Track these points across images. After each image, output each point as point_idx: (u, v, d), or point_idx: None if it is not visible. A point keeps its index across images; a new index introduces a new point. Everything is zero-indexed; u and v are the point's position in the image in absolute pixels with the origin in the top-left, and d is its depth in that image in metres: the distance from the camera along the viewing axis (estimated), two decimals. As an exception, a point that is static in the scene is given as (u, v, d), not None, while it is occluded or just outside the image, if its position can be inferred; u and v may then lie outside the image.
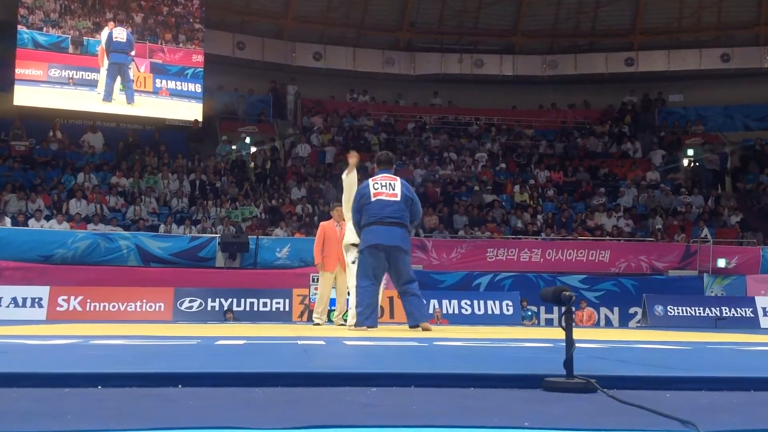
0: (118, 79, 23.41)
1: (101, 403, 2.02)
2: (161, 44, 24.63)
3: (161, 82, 24.32)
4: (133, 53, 23.74)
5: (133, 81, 23.59)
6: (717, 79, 27.08)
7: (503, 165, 24.62)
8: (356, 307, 7.93)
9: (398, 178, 8.20)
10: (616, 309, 17.49)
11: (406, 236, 8.09)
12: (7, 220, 17.15)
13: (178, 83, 24.59)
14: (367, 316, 7.81)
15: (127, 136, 23.08)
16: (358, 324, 7.80)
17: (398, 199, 7.97)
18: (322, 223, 10.91)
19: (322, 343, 4.83)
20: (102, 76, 23.33)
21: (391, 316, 15.54)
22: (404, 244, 8.01)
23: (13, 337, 5.13)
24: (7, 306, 14.84)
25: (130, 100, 23.44)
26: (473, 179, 23.53)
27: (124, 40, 23.59)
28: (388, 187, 8.05)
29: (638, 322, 16.94)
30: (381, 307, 15.45)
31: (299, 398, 2.14)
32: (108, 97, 23.20)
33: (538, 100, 28.26)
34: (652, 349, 4.76)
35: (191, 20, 25.20)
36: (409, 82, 28.30)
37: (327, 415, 1.85)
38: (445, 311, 16.11)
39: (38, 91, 22.68)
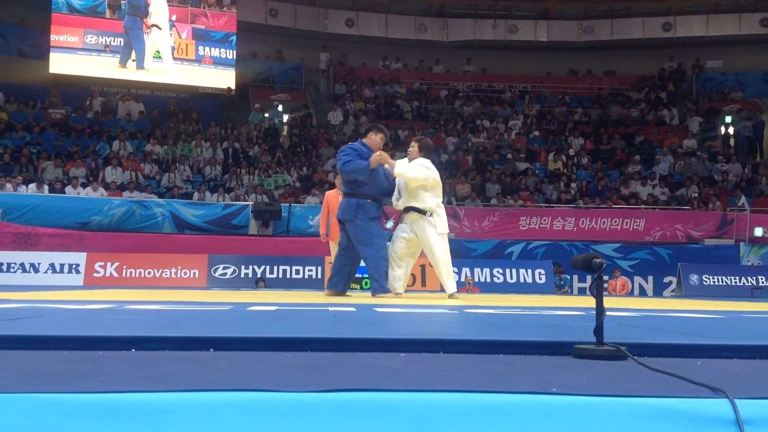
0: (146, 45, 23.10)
1: (134, 366, 2.05)
2: (204, 8, 24.31)
3: (204, 50, 24.10)
4: (147, 16, 22.98)
5: (143, 45, 23.01)
6: (756, 44, 26.49)
7: (537, 133, 24.39)
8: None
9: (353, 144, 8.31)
10: (650, 278, 17.34)
11: (351, 205, 7.99)
12: (45, 188, 17.42)
13: (222, 51, 24.39)
14: (334, 283, 8.21)
15: (163, 103, 23.23)
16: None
17: None
18: (326, 193, 10.94)
19: (352, 309, 4.86)
20: (150, 44, 23.21)
21: (423, 284, 15.59)
22: (346, 214, 8.01)
23: (50, 302, 5.22)
24: (45, 272, 15.14)
25: (139, 65, 23.12)
26: (506, 147, 23.36)
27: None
28: None
29: (673, 291, 16.80)
30: (412, 275, 15.54)
31: (328, 363, 2.15)
32: (123, 61, 22.96)
33: (573, 66, 27.88)
34: (685, 318, 4.72)
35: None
36: (442, 48, 28.05)
37: (355, 379, 1.87)
38: (477, 279, 16.10)
39: (74, 58, 22.79)
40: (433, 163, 8.26)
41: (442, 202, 8.37)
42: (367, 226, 7.95)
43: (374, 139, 8.26)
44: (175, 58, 23.63)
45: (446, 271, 8.14)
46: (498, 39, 27.85)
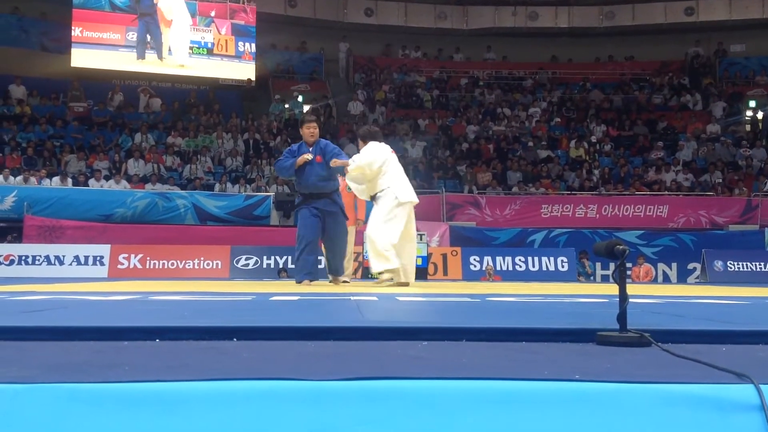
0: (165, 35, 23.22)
1: (158, 356, 2.07)
2: (243, 3, 24.30)
3: (244, 45, 24.11)
4: (155, 12, 23.05)
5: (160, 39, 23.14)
6: (781, 27, 26.10)
7: (558, 120, 24.24)
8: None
9: None
10: (674, 265, 17.22)
11: None
12: (69, 181, 17.58)
13: (251, 44, 24.38)
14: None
15: (184, 96, 23.33)
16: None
17: None
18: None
19: (374, 298, 4.87)
20: (166, 37, 23.35)
21: (445, 272, 15.59)
22: None
23: (75, 293, 5.27)
24: (70, 264, 15.30)
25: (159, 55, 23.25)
26: (527, 135, 23.24)
27: None
28: None
29: (697, 277, 16.68)
30: (434, 264, 15.57)
31: (350, 351, 2.16)
32: (141, 54, 23.03)
33: (594, 52, 27.65)
34: (709, 304, 4.68)
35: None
36: (462, 36, 27.91)
37: (377, 367, 1.87)
38: (498, 268, 16.08)
39: (96, 53, 22.85)
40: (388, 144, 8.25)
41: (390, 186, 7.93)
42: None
43: (303, 133, 8.64)
44: (215, 54, 23.65)
45: (373, 251, 7.82)
46: (518, 26, 27.65)
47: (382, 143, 8.17)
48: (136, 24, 23.02)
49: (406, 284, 7.72)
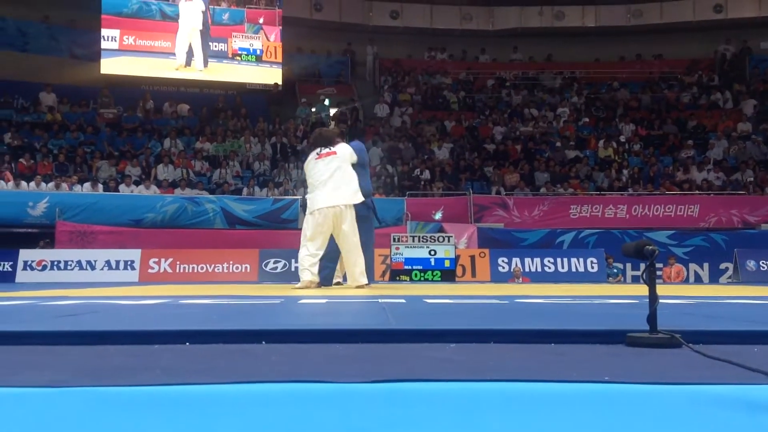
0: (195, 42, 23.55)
1: (188, 359, 2.09)
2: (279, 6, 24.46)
3: None
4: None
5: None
6: (812, 24, 25.72)
7: (586, 119, 24.07)
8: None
9: None
10: (706, 265, 17.01)
11: None
12: (99, 186, 17.77)
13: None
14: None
15: (212, 101, 23.51)
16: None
17: None
18: None
19: (402, 301, 4.87)
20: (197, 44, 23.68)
21: (473, 274, 15.55)
22: None
23: (106, 298, 5.33)
24: (102, 269, 15.46)
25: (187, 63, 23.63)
26: (555, 135, 23.11)
27: None
28: None
29: (729, 277, 16.46)
30: (462, 265, 15.54)
31: (378, 354, 2.17)
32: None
33: (622, 51, 27.43)
34: (741, 305, 4.62)
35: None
36: (488, 37, 27.82)
37: (405, 369, 1.88)
38: (527, 269, 15.99)
39: (125, 60, 23.13)
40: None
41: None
42: None
43: None
44: (263, 61, 23.95)
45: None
46: (545, 26, 27.52)
47: (317, 149, 8.13)
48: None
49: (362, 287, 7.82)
